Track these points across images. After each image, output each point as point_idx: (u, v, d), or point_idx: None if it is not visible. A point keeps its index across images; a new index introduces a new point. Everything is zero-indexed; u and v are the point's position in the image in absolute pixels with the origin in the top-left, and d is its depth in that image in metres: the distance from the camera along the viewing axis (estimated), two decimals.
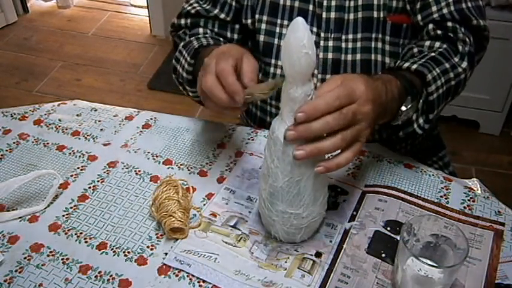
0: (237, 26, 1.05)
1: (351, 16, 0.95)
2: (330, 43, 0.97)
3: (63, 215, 0.81)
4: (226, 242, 0.77)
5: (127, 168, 0.90)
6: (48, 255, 0.75)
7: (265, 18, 1.00)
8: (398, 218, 0.80)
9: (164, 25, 2.90)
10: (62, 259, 0.75)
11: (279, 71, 1.01)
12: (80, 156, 0.92)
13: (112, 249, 0.76)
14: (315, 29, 0.96)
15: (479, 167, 2.14)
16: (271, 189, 0.72)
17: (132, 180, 0.88)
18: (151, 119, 1.01)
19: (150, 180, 0.88)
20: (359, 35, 0.96)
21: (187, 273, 0.73)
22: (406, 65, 0.84)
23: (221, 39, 1.02)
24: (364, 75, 0.73)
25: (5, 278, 0.72)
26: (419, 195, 0.85)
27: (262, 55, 1.02)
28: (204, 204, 0.83)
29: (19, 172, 0.89)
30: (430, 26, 0.92)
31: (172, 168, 0.90)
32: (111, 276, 0.73)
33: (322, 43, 0.97)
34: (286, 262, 0.74)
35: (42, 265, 0.74)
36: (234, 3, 1.03)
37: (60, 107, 1.04)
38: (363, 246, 0.76)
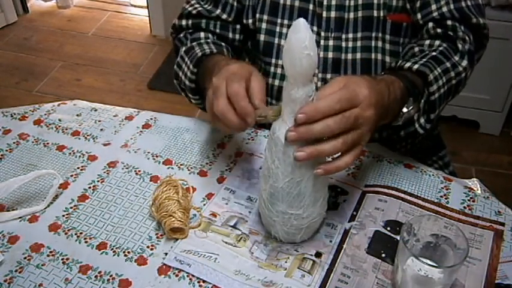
0: (238, 27, 1.05)
1: (351, 15, 0.95)
2: (330, 42, 0.97)
3: (63, 215, 0.81)
4: (226, 242, 0.77)
5: (127, 168, 0.90)
6: (48, 255, 0.75)
7: (265, 17, 1.00)
8: (398, 218, 0.80)
9: (164, 25, 2.90)
10: (62, 259, 0.75)
11: (279, 71, 1.01)
12: (80, 156, 0.92)
13: (112, 249, 0.76)
14: (315, 28, 0.96)
15: (479, 167, 2.14)
16: (272, 189, 0.72)
17: (132, 180, 0.88)
18: (151, 119, 1.01)
19: (150, 180, 0.88)
20: (359, 34, 0.96)
21: (187, 273, 0.73)
22: (408, 64, 0.84)
23: (223, 44, 1.02)
24: (367, 77, 0.72)
25: (5, 278, 0.72)
26: (419, 195, 0.85)
27: (262, 54, 1.02)
28: (204, 204, 0.83)
29: (19, 172, 0.89)
30: (430, 24, 0.92)
31: (172, 168, 0.90)
32: (111, 276, 0.73)
33: (322, 42, 0.97)
34: (286, 262, 0.74)
35: (42, 265, 0.74)
36: (235, 3, 1.02)
37: (60, 107, 1.04)
38: (363, 246, 0.76)
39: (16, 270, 0.73)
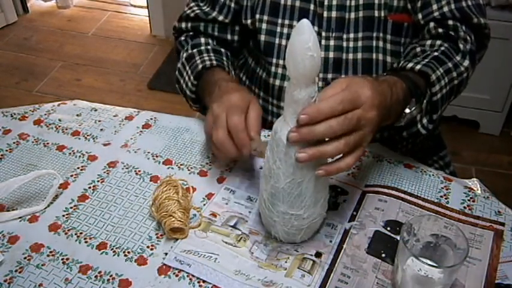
0: (236, 28, 1.06)
1: (352, 15, 0.95)
2: (331, 42, 0.97)
3: (63, 215, 0.81)
4: (226, 242, 0.77)
5: (127, 168, 0.90)
6: (48, 255, 0.75)
7: (266, 18, 1.00)
8: (398, 218, 0.80)
9: (164, 25, 2.90)
10: (62, 259, 0.75)
11: (280, 70, 1.01)
12: (80, 156, 0.92)
13: (112, 249, 0.76)
14: (316, 28, 0.96)
15: (479, 167, 2.14)
16: (273, 190, 0.72)
17: (132, 180, 0.88)
18: (151, 119, 1.01)
19: (150, 180, 0.88)
20: (360, 34, 0.96)
21: (187, 273, 0.73)
22: (410, 65, 0.84)
23: (222, 50, 1.04)
24: (369, 78, 0.72)
25: (5, 278, 0.72)
26: (419, 195, 0.85)
27: (263, 54, 1.02)
28: (204, 204, 0.83)
29: (19, 172, 0.89)
30: (431, 24, 0.92)
31: (172, 168, 0.90)
32: (111, 276, 0.73)
33: (323, 42, 0.97)
34: (286, 262, 0.74)
35: (42, 265, 0.74)
36: (232, 5, 1.03)
37: (60, 107, 1.04)
38: (363, 246, 0.76)
39: (16, 270, 0.73)
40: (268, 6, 0.99)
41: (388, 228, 0.78)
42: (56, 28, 3.07)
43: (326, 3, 0.95)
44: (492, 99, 2.17)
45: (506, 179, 2.09)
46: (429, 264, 0.66)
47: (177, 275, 0.73)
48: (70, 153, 0.93)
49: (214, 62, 0.98)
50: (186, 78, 1.00)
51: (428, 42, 0.91)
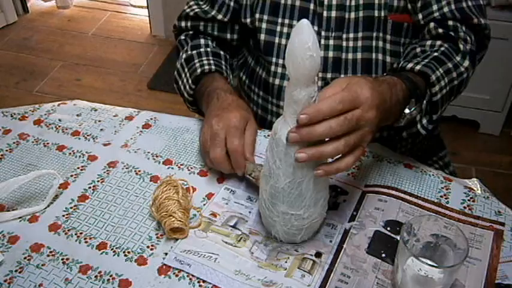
0: (236, 27, 1.06)
1: (352, 15, 0.95)
2: (331, 42, 0.97)
3: (63, 215, 0.81)
4: (226, 242, 0.77)
5: (127, 168, 0.90)
6: (48, 255, 0.75)
7: (265, 17, 1.00)
8: (398, 218, 0.80)
9: (164, 25, 2.90)
10: (62, 259, 0.75)
11: (279, 70, 1.01)
12: (80, 156, 0.92)
13: (112, 249, 0.76)
14: (315, 28, 0.96)
15: (479, 167, 2.14)
16: (273, 190, 0.72)
17: (132, 180, 0.88)
18: (151, 119, 1.01)
19: (150, 180, 0.88)
20: (360, 34, 0.96)
21: (187, 273, 0.73)
22: (410, 65, 0.84)
23: (221, 52, 1.05)
24: (369, 78, 0.72)
25: (5, 278, 0.72)
26: (419, 195, 0.85)
27: (263, 54, 1.02)
28: (204, 204, 0.83)
29: (19, 172, 0.89)
30: (431, 24, 0.92)
31: (172, 168, 0.90)
32: (111, 276, 0.73)
33: (322, 42, 0.97)
34: (286, 262, 0.74)
35: (42, 265, 0.74)
36: (232, 4, 1.04)
37: (60, 107, 1.04)
38: (363, 246, 0.76)
39: (16, 270, 0.73)
40: (268, 5, 0.99)
41: (388, 228, 0.78)
42: (56, 28, 3.07)
43: (326, 2, 0.95)
44: (492, 99, 2.17)
45: (506, 179, 2.09)
46: (429, 264, 0.66)
47: (177, 275, 0.73)
48: (70, 153, 0.93)
49: (213, 67, 0.99)
50: (185, 80, 1.01)
51: (429, 42, 0.91)
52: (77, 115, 1.02)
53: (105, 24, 3.12)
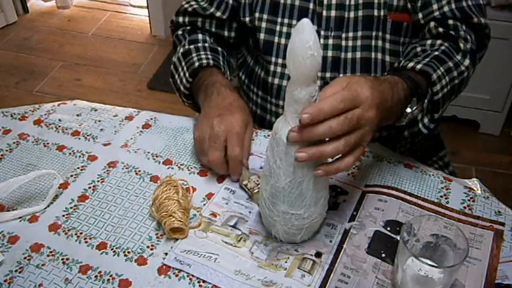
0: (234, 25, 1.06)
1: (351, 14, 0.95)
2: (330, 41, 0.97)
3: (63, 215, 0.81)
4: (226, 242, 0.77)
5: (127, 168, 0.90)
6: (48, 255, 0.75)
7: (265, 16, 1.00)
8: (398, 218, 0.80)
9: (164, 25, 2.90)
10: (62, 259, 0.75)
11: (279, 69, 1.01)
12: (80, 156, 0.92)
13: (112, 249, 0.76)
14: (315, 27, 0.96)
15: (479, 167, 2.14)
16: (273, 189, 0.72)
17: (132, 180, 0.88)
18: (151, 119, 1.01)
19: (150, 180, 0.88)
20: (359, 33, 0.96)
21: (187, 273, 0.73)
22: (411, 64, 0.84)
23: (219, 48, 1.04)
24: (370, 78, 0.72)
25: (5, 278, 0.72)
26: (419, 195, 0.85)
27: (263, 53, 1.02)
28: (204, 204, 0.83)
29: (19, 172, 0.89)
30: (432, 24, 0.92)
31: (172, 168, 0.90)
32: (111, 276, 0.73)
33: (322, 41, 0.97)
34: (286, 262, 0.74)
35: (42, 265, 0.74)
36: (231, 1, 1.03)
37: (60, 107, 1.04)
38: (363, 246, 0.76)
39: (16, 270, 0.73)
40: (268, 4, 0.99)
41: (388, 228, 0.78)
42: (56, 28, 3.07)
43: (325, 2, 0.95)
44: (492, 99, 2.17)
45: (506, 179, 2.09)
46: (429, 264, 0.66)
47: (177, 275, 0.73)
48: (70, 153, 0.93)
49: (211, 62, 0.98)
50: (181, 73, 1.00)
51: (429, 41, 0.91)
52: (77, 115, 1.02)
53: (105, 24, 3.12)
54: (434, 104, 0.85)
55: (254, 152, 0.93)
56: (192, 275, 0.72)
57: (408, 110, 0.82)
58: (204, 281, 0.72)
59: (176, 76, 1.02)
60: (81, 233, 0.79)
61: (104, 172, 0.89)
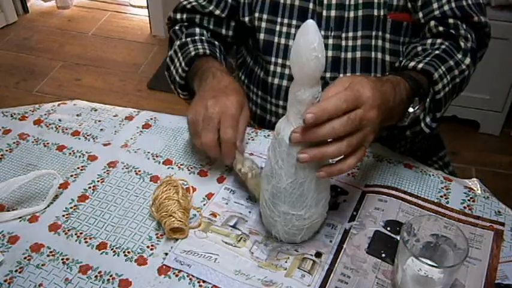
0: (232, 23, 1.06)
1: (351, 14, 0.95)
2: (330, 41, 0.97)
3: (63, 215, 0.81)
4: (226, 242, 0.77)
5: (127, 168, 0.90)
6: (48, 255, 0.75)
7: (265, 16, 1.00)
8: (398, 218, 0.80)
9: (164, 25, 2.90)
10: (62, 259, 0.75)
11: (278, 69, 1.01)
12: (80, 156, 0.92)
13: (112, 249, 0.76)
14: None
15: (479, 167, 2.14)
16: (274, 190, 0.72)
17: (132, 180, 0.88)
18: (151, 119, 1.01)
19: (150, 180, 0.88)
20: (359, 33, 0.96)
21: (187, 273, 0.73)
22: (412, 64, 0.84)
23: (216, 42, 1.03)
24: (372, 78, 0.72)
25: (5, 278, 0.72)
26: (419, 195, 0.85)
27: (262, 53, 1.02)
28: (204, 204, 0.83)
29: (19, 172, 0.89)
30: (432, 23, 0.93)
31: (172, 168, 0.90)
32: (111, 276, 0.73)
33: None
34: (286, 262, 0.74)
35: (42, 265, 0.74)
36: (230, 0, 1.03)
37: (60, 107, 1.04)
38: (363, 246, 0.76)
39: (16, 270, 0.73)
40: (268, 4, 0.99)
41: (388, 228, 0.78)
42: (56, 28, 3.07)
43: (325, 2, 0.95)
44: (492, 99, 2.17)
45: (506, 179, 2.09)
46: (429, 264, 0.66)
47: (177, 275, 0.73)
48: (70, 153, 0.93)
49: (207, 51, 0.97)
50: (177, 64, 0.99)
51: (429, 40, 0.91)
52: (77, 115, 1.02)
53: (105, 24, 3.12)
54: (436, 103, 0.85)
55: (254, 152, 0.93)
56: (192, 275, 0.72)
57: (410, 109, 0.82)
58: (204, 281, 0.72)
59: (172, 67, 1.01)
60: (81, 233, 0.79)
61: (104, 172, 0.89)
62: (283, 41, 0.99)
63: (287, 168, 0.69)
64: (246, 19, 1.02)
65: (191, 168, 0.90)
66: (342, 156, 0.68)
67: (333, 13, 0.96)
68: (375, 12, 0.95)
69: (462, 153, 2.19)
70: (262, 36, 1.01)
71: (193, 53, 0.96)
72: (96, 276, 0.72)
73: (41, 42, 2.93)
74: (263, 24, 1.00)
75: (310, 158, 0.65)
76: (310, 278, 0.72)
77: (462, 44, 0.90)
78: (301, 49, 0.62)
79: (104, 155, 0.92)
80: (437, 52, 0.87)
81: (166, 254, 0.75)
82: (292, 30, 0.99)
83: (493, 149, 2.23)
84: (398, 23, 0.95)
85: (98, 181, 0.87)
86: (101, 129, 0.98)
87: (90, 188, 0.86)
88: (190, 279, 0.72)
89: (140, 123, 1.00)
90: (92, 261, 0.74)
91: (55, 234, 0.78)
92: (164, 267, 0.73)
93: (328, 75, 0.98)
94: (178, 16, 1.08)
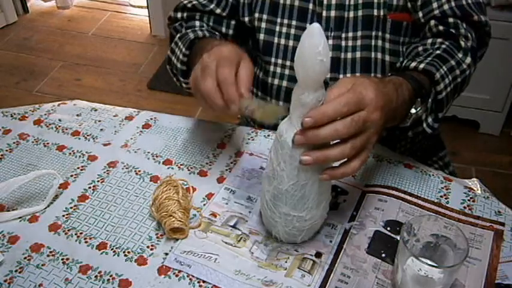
0: (232, 22, 1.05)
1: (351, 14, 0.95)
2: (330, 41, 0.97)
3: (63, 215, 0.81)
4: (226, 242, 0.77)
5: (127, 168, 0.90)
6: (48, 255, 0.75)
7: (265, 17, 1.00)
8: (398, 218, 0.80)
9: (164, 25, 2.90)
10: (62, 259, 0.75)
11: (278, 70, 1.01)
12: (80, 156, 0.92)
13: (112, 249, 0.76)
14: None
15: (479, 167, 2.14)
16: (276, 191, 0.71)
17: (132, 180, 0.88)
18: (151, 119, 1.01)
19: (150, 180, 0.88)
20: (359, 33, 0.96)
21: (187, 273, 0.73)
22: (413, 64, 0.84)
23: (216, 33, 1.03)
24: (374, 79, 0.72)
25: (5, 278, 0.72)
26: (419, 195, 0.85)
27: (262, 54, 1.02)
28: (204, 204, 0.83)
29: (19, 172, 0.89)
30: (432, 22, 0.92)
31: (172, 168, 0.90)
32: (111, 276, 0.73)
33: None
34: (286, 262, 0.74)
35: (42, 265, 0.74)
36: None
37: (60, 107, 1.04)
38: (363, 246, 0.76)
39: (16, 270, 0.73)
40: (268, 5, 0.99)
41: (388, 228, 0.78)
42: (56, 28, 3.07)
43: (325, 2, 0.95)
44: (492, 99, 2.17)
45: (506, 179, 2.09)
46: (429, 264, 0.66)
47: (177, 275, 0.73)
48: (70, 153, 0.93)
49: (206, 34, 0.96)
50: (178, 52, 0.97)
51: (429, 40, 0.91)
52: (77, 115, 1.02)
53: (105, 24, 3.12)
54: (438, 103, 0.85)
55: (254, 152, 0.93)
56: (192, 275, 0.72)
57: (413, 110, 0.81)
58: (204, 281, 0.72)
59: (173, 58, 0.99)
60: (81, 233, 0.79)
61: (104, 172, 0.89)
62: (282, 41, 0.99)
63: (289, 170, 0.68)
64: (246, 19, 1.02)
65: (191, 168, 0.90)
66: (345, 159, 0.68)
67: (332, 13, 0.96)
68: (375, 12, 0.95)
69: (462, 153, 2.19)
70: (261, 36, 1.01)
71: (192, 37, 0.95)
72: (96, 276, 0.72)
73: (41, 42, 2.93)
74: (263, 25, 1.00)
75: (313, 160, 0.65)
76: (310, 278, 0.72)
77: (462, 43, 0.90)
78: (305, 52, 0.62)
79: (104, 155, 0.93)
80: (438, 52, 0.87)
81: (166, 254, 0.75)
82: (292, 31, 0.99)
83: (493, 149, 2.23)
84: (398, 23, 0.95)
85: (98, 181, 0.87)
86: (101, 129, 0.98)
87: (90, 188, 0.86)
88: (190, 279, 0.72)
89: (140, 123, 1.00)
90: (92, 261, 0.75)
91: (55, 234, 0.78)
92: (164, 267, 0.74)
93: (328, 75, 0.98)
94: (179, 15, 1.07)
